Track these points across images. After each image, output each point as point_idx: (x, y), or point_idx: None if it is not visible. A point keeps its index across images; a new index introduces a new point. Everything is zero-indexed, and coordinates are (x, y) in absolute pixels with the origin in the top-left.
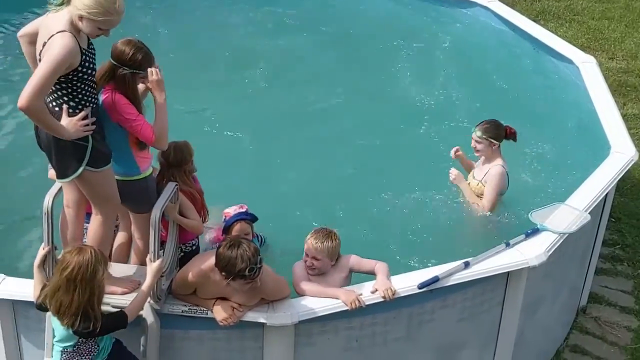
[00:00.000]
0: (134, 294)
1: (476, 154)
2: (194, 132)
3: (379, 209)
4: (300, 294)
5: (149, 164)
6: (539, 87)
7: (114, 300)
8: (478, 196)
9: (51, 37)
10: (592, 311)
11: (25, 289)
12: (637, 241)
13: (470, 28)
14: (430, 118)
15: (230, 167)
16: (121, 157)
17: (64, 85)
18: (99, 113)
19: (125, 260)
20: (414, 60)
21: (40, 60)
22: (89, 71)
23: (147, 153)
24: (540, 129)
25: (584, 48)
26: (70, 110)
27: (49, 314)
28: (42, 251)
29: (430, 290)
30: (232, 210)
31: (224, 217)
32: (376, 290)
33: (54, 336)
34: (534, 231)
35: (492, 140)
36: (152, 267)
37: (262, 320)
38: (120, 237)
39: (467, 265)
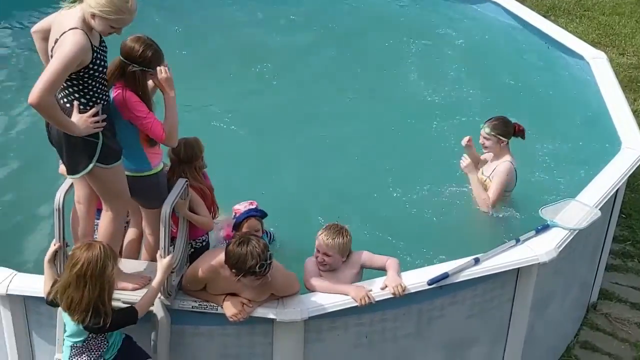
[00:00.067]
0: (144, 290)
1: (484, 150)
2: (203, 129)
3: (388, 205)
4: (310, 289)
5: (160, 159)
6: (549, 82)
7: (125, 296)
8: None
9: (63, 34)
10: (603, 307)
11: (37, 285)
12: None
13: (480, 24)
14: (440, 114)
15: (240, 163)
16: (132, 154)
17: (75, 82)
18: (110, 110)
19: (136, 256)
20: (423, 57)
21: (52, 56)
22: (100, 68)
23: (158, 149)
24: (550, 124)
25: (594, 44)
26: (81, 107)
27: (60, 309)
28: (53, 247)
29: (440, 287)
30: (242, 207)
31: (234, 214)
32: (386, 286)
33: (64, 331)
34: (545, 227)
35: (501, 137)
36: (162, 263)
37: (271, 316)
38: (131, 233)
39: (477, 261)
